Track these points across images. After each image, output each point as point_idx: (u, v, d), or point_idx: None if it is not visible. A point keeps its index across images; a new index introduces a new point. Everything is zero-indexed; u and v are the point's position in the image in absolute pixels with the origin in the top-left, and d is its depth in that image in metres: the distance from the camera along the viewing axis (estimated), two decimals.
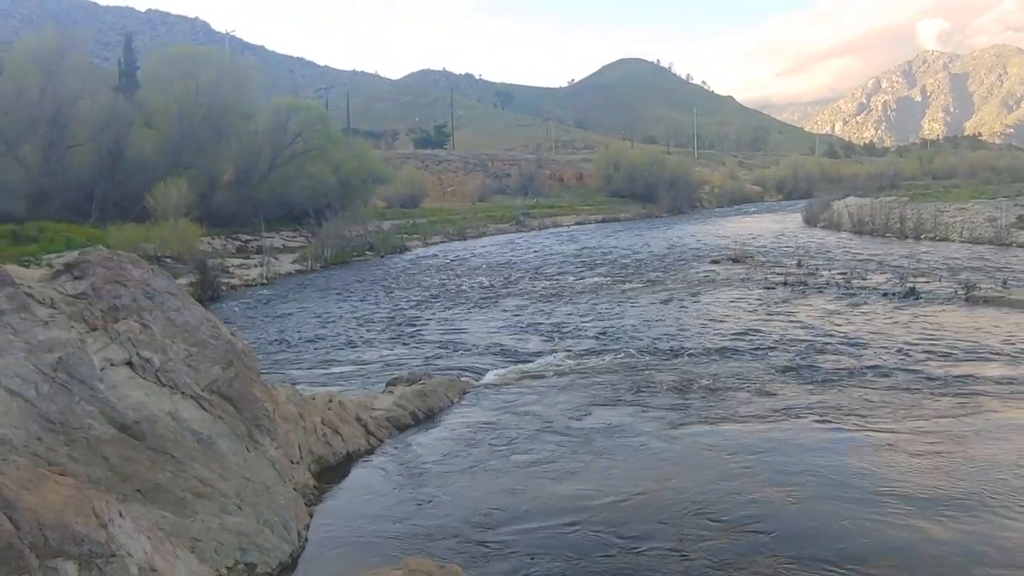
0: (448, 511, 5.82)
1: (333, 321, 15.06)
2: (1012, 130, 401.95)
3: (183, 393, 5.52)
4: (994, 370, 9.40)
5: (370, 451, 7.30)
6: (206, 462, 5.21)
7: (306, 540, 5.34)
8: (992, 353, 10.26)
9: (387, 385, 9.36)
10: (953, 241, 26.90)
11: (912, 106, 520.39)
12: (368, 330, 13.95)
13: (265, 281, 21.95)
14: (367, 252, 29.27)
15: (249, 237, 28.60)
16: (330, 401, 7.63)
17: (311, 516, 5.73)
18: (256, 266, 23.72)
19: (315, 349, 12.34)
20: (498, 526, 5.52)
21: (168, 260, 21.29)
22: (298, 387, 8.13)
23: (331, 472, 6.71)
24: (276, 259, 25.40)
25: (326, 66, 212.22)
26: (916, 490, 5.92)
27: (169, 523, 4.60)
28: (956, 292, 15.20)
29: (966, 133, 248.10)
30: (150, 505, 4.67)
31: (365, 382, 10.03)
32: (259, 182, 32.06)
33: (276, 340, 13.29)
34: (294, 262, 25.76)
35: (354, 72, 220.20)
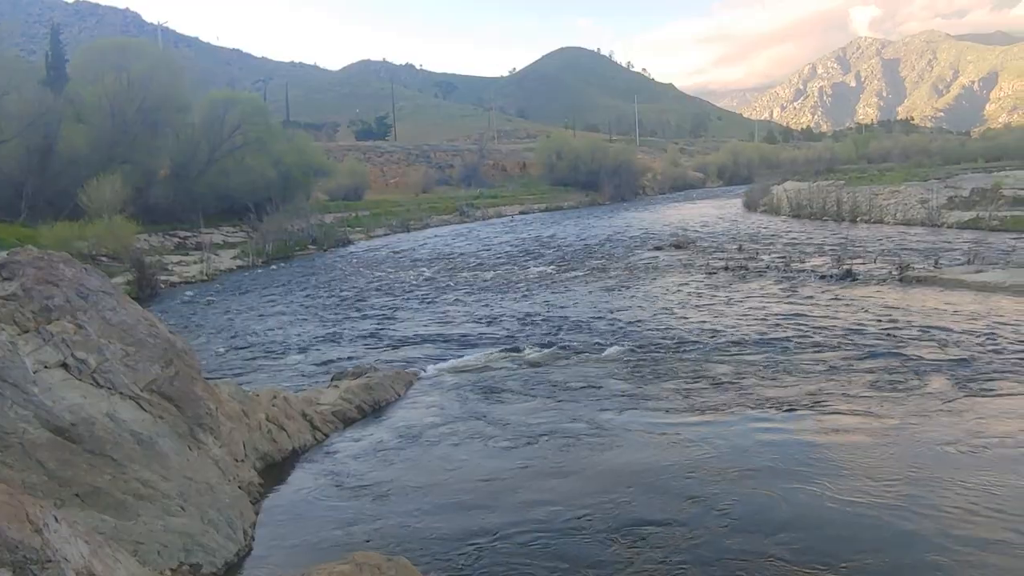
0: (396, 504, 5.80)
1: (276, 316, 14.87)
2: (942, 114, 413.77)
3: (121, 394, 5.40)
4: (929, 349, 9.68)
5: (316, 446, 7.24)
6: (147, 463, 5.11)
7: (252, 538, 5.28)
8: (926, 332, 10.56)
9: (332, 379, 9.30)
10: (887, 223, 27.60)
11: (847, 91, 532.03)
12: (313, 325, 13.81)
13: (205, 278, 21.56)
14: (310, 246, 28.95)
15: (188, 233, 28.03)
16: (275, 397, 7.54)
17: (257, 514, 5.66)
18: (196, 263, 23.28)
19: (259, 345, 12.17)
20: (446, 518, 5.52)
21: (103, 259, 20.77)
22: (242, 384, 8.03)
23: (277, 469, 6.64)
24: (216, 255, 24.98)
25: (263, 58, 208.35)
26: (859, 470, 6.08)
27: (109, 527, 4.51)
28: (891, 273, 15.60)
29: (899, 117, 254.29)
30: (89, 509, 4.58)
31: (310, 377, 9.94)
32: (197, 176, 31.40)
33: (218, 337, 13.08)
34: (235, 258, 25.35)
35: (292, 64, 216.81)
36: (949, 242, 20.84)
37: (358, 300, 16.44)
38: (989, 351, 9.34)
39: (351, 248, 30.07)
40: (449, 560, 4.90)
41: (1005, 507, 5.24)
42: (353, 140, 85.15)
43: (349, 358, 10.89)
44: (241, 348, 12.06)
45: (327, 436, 7.49)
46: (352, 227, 35.43)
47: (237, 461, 6.10)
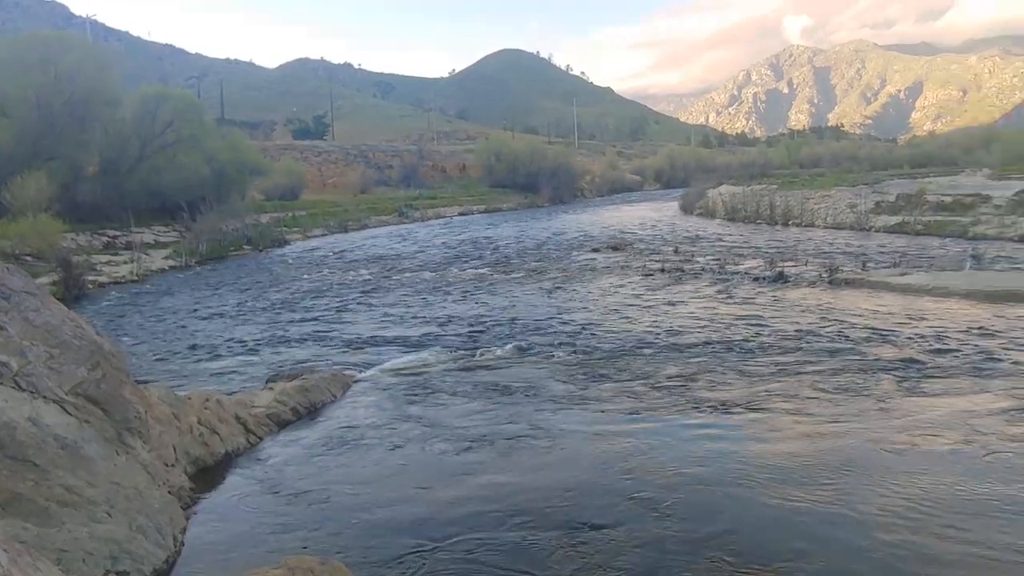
0: (330, 507, 5.73)
1: (210, 318, 14.58)
2: (870, 121, 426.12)
3: (45, 398, 5.23)
4: (860, 349, 9.95)
5: (250, 449, 7.11)
6: (72, 469, 4.95)
7: (182, 544, 5.15)
8: (855, 333, 10.86)
9: (267, 381, 9.15)
10: (818, 226, 28.34)
11: (780, 98, 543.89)
12: (248, 326, 13.57)
13: (136, 278, 21.01)
14: (245, 246, 28.46)
15: (117, 232, 27.26)
16: (207, 400, 7.38)
17: (188, 519, 5.54)
18: (126, 262, 22.68)
19: (192, 348, 11.91)
20: (383, 523, 5.46)
21: (28, 258, 20.08)
22: (174, 387, 7.85)
23: (209, 473, 6.51)
24: (147, 255, 24.38)
25: (197, 54, 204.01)
26: (796, 470, 6.21)
27: (31, 535, 4.36)
28: (821, 275, 16.00)
29: (829, 124, 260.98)
30: (10, 517, 4.42)
31: (245, 380, 9.76)
32: (128, 174, 30.58)
33: (150, 340, 12.77)
34: (167, 258, 24.77)
35: (228, 60, 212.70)
36: (877, 246, 21.48)
37: (295, 301, 16.22)
38: (916, 351, 9.64)
39: (288, 249, 29.66)
40: (387, 565, 4.85)
41: (936, 506, 5.40)
42: (290, 139, 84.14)
43: (285, 360, 10.73)
44: (173, 350, 11.79)
45: (261, 439, 7.37)
46: (289, 227, 34.94)
47: (167, 466, 5.96)
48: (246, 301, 16.52)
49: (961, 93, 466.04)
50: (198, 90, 77.11)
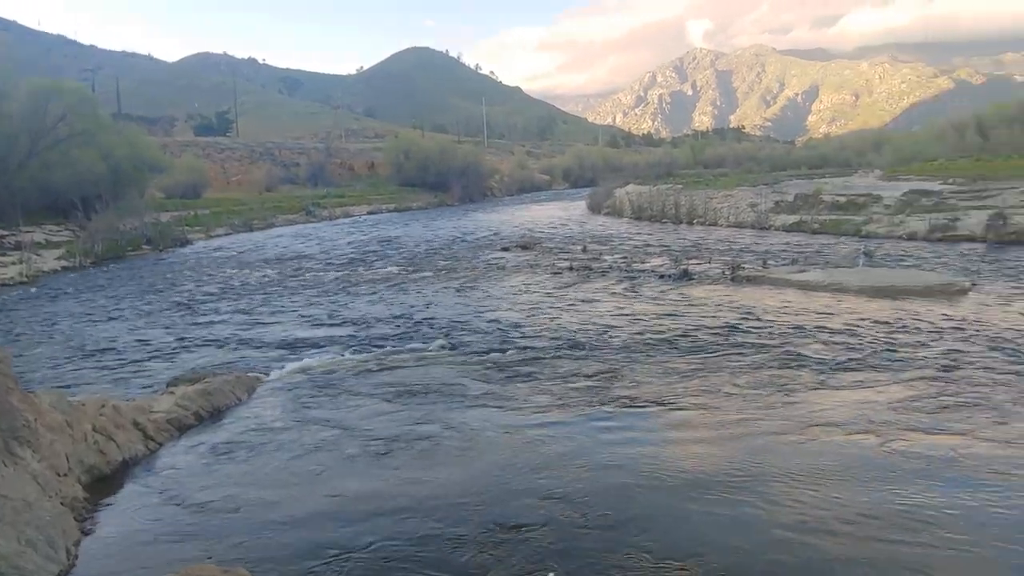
0: (234, 514, 5.57)
1: (107, 321, 14.02)
2: (770, 123, 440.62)
3: None
4: (761, 344, 10.26)
5: (149, 456, 6.87)
6: None
7: (76, 557, 4.94)
8: (757, 328, 11.21)
9: (168, 385, 8.85)
10: (721, 225, 29.12)
11: (684, 100, 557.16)
12: (147, 329, 13.09)
13: (26, 280, 20.02)
14: (144, 246, 27.47)
15: (5, 232, 25.92)
16: (103, 406, 7.09)
17: (83, 531, 5.31)
18: (14, 263, 21.60)
19: (87, 352, 11.42)
20: (291, 530, 5.33)
21: None
22: (69, 393, 7.51)
23: (106, 482, 6.25)
24: (38, 255, 23.28)
25: (91, 46, 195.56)
26: (706, 464, 6.37)
27: None
28: (723, 273, 16.45)
29: (732, 126, 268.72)
30: None
31: (145, 384, 9.41)
32: (17, 170, 29.11)
33: (40, 344, 12.18)
34: (60, 258, 23.68)
35: (124, 53, 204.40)
36: (776, 244, 22.22)
37: (197, 302, 15.74)
38: (816, 345, 10.02)
39: (190, 248, 28.77)
40: (295, 573, 4.75)
41: (836, 497, 5.62)
42: (192, 135, 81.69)
43: (188, 363, 10.40)
44: (67, 355, 11.28)
45: (161, 445, 7.12)
46: (191, 226, 33.91)
47: (59, 475, 5.70)
48: (146, 303, 15.95)
49: (854, 97, 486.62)
50: (92, 84, 74.12)
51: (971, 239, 21.08)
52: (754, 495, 5.64)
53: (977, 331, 10.53)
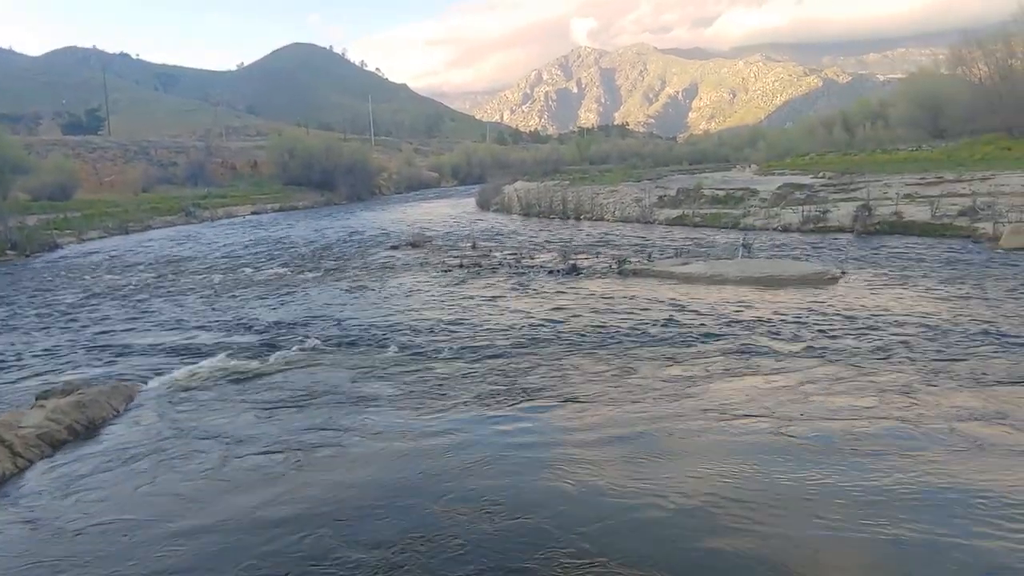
0: (106, 532, 5.29)
1: None
2: (653, 120, 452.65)
3: None
4: (647, 334, 10.51)
5: (18, 475, 6.46)
6: None
7: None
8: (641, 319, 11.47)
9: (37, 398, 8.35)
10: (608, 220, 29.69)
11: (570, 97, 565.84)
12: (13, 339, 12.31)
13: None
14: (9, 251, 25.86)
15: None
16: None
17: None
18: None
19: None
20: (160, 544, 5.10)
21: None
22: None
23: None
24: None
25: None
26: (600, 455, 6.46)
27: None
28: (611, 267, 16.78)
29: (616, 123, 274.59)
30: None
31: (11, 398, 8.85)
32: None
33: None
34: None
35: None
36: (660, 237, 22.82)
37: (69, 310, 14.93)
38: (700, 334, 10.33)
39: (60, 253, 27.26)
40: None
41: (737, 489, 5.80)
42: (60, 134, 77.61)
43: (59, 374, 9.84)
44: None
45: (31, 463, 6.71)
46: (61, 229, 32.15)
47: None
48: (11, 311, 15.01)
49: (731, 95, 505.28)
50: None
51: (841, 230, 22.20)
52: (650, 488, 5.76)
53: (848, 315, 11.11)
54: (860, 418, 6.99)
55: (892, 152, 48.96)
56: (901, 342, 9.58)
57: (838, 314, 11.33)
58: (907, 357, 8.92)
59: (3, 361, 10.79)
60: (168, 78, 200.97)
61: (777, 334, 10.24)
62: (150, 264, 22.32)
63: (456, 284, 15.76)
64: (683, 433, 6.82)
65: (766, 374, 8.47)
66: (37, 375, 9.92)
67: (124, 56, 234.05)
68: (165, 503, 5.79)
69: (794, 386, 7.97)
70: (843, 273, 14.93)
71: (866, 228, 21.59)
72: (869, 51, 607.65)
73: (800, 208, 25.16)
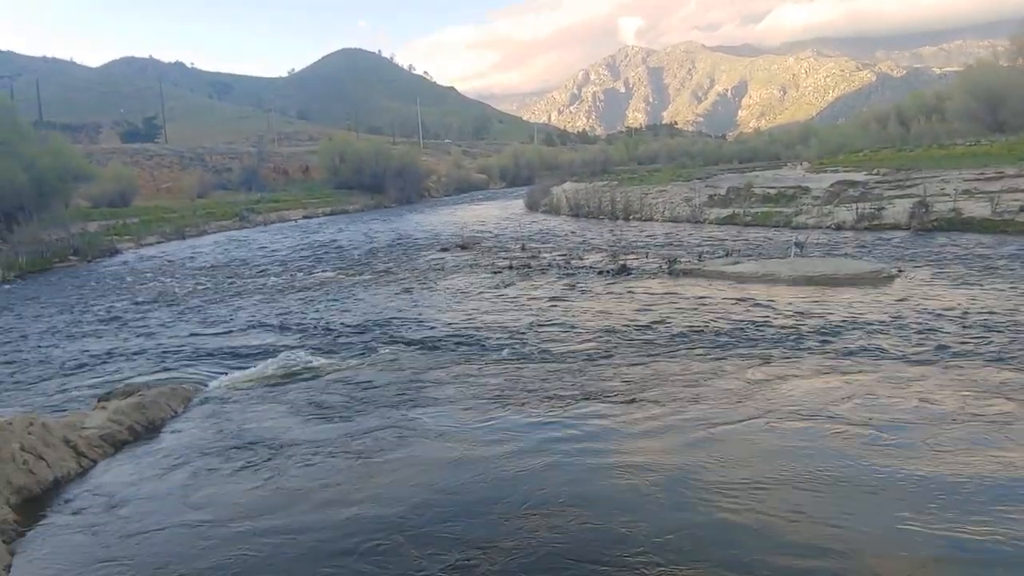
0: (170, 533, 5.42)
1: (33, 335, 13.54)
2: (701, 119, 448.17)
3: None
4: (706, 334, 10.43)
5: (83, 474, 6.66)
6: None
7: None
8: (695, 319, 11.38)
9: (99, 400, 8.60)
10: (657, 220, 29.51)
11: (618, 97, 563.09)
12: (76, 342, 12.69)
13: None
14: (71, 257, 26.64)
15: None
16: (31, 424, 6.86)
17: (12, 554, 5.13)
18: None
19: (14, 368, 11.03)
20: (225, 544, 5.20)
21: None
22: None
23: (36, 503, 6.04)
24: None
25: (9, 51, 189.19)
26: (664, 462, 6.43)
27: None
28: (661, 266, 16.68)
29: (664, 122, 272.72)
30: None
31: (75, 399, 9.13)
32: None
33: None
34: None
35: (45, 59, 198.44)
36: (710, 237, 22.60)
37: (129, 313, 15.34)
38: (756, 334, 10.21)
39: (120, 258, 28.00)
40: None
41: (805, 486, 5.74)
42: (118, 143, 79.67)
43: (120, 377, 10.12)
44: None
45: (95, 462, 6.92)
46: (120, 235, 33.03)
47: None
48: (74, 315, 15.48)
49: (781, 92, 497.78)
50: (11, 90, 71.59)
51: (896, 227, 21.74)
52: (724, 489, 5.71)
53: (906, 316, 10.88)
54: (930, 418, 6.85)
55: (949, 147, 47.77)
56: (962, 342, 9.36)
57: (896, 313, 11.10)
58: (970, 357, 8.71)
59: (66, 363, 11.13)
60: (222, 86, 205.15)
61: (834, 334, 10.08)
62: (206, 268, 22.79)
63: (506, 285, 15.80)
64: (751, 435, 6.73)
65: (827, 374, 8.34)
66: (98, 377, 10.21)
67: (179, 65, 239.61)
68: (226, 505, 5.88)
69: (860, 386, 7.83)
70: (900, 272, 14.63)
71: (923, 225, 21.12)
72: (924, 44, 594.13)
73: (854, 206, 24.70)
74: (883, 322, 10.62)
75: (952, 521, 5.02)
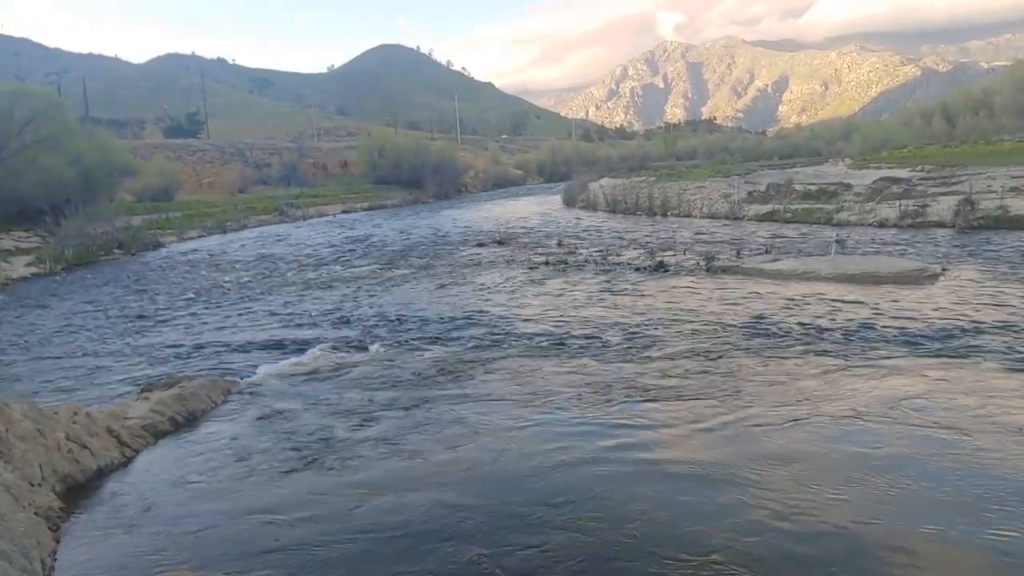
0: (211, 520, 5.51)
1: (79, 327, 13.83)
2: (741, 114, 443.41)
3: None
4: (740, 330, 10.33)
5: (125, 463, 6.79)
6: None
7: (52, 568, 4.87)
8: (735, 318, 11.28)
9: (142, 391, 8.75)
10: (695, 216, 29.27)
11: (656, 92, 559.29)
12: (120, 334, 12.94)
13: None
14: (115, 250, 27.13)
15: None
16: (76, 414, 7.00)
17: (58, 541, 5.24)
18: None
19: (60, 359, 11.26)
20: (264, 533, 5.27)
21: None
22: (43, 402, 7.41)
23: (80, 490, 6.17)
24: (8, 262, 22.92)
25: (57, 48, 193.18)
26: (714, 463, 6.39)
27: None
28: (698, 264, 16.55)
29: (703, 117, 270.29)
30: None
31: (119, 390, 9.30)
32: None
33: (12, 352, 11.99)
34: (29, 264, 23.33)
35: (91, 55, 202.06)
36: (749, 233, 22.37)
37: (170, 306, 15.59)
38: (797, 333, 10.10)
39: (162, 251, 28.45)
40: None
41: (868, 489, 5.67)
42: (162, 138, 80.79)
43: (162, 368, 10.29)
44: (41, 362, 11.13)
45: (137, 452, 7.04)
46: (163, 229, 33.53)
47: (33, 485, 5.63)
48: (118, 307, 15.76)
49: (823, 87, 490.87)
50: (59, 87, 73.13)
51: (940, 225, 21.35)
52: (771, 491, 5.66)
53: (951, 315, 10.67)
54: (982, 422, 6.72)
55: (996, 143, 46.75)
56: (1007, 342, 9.17)
57: (940, 313, 10.90)
58: (1012, 357, 8.53)
59: (110, 355, 11.34)
60: (262, 82, 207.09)
61: (878, 333, 9.93)
62: (246, 261, 23.07)
63: (542, 281, 15.78)
64: (798, 436, 6.66)
65: (869, 374, 8.22)
66: (141, 369, 10.39)
67: (221, 61, 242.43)
68: (262, 493, 5.97)
69: (909, 387, 7.72)
70: (944, 270, 14.36)
71: (968, 223, 20.70)
72: (971, 38, 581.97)
73: (897, 203, 24.29)
74: (927, 321, 10.43)
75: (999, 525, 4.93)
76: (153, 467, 6.67)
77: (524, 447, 6.68)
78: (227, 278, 19.51)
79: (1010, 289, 12.45)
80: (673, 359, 9.20)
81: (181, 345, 11.73)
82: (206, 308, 15.13)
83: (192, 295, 16.95)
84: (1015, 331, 9.65)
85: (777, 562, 4.65)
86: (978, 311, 10.86)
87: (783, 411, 7.19)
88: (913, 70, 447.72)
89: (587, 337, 10.53)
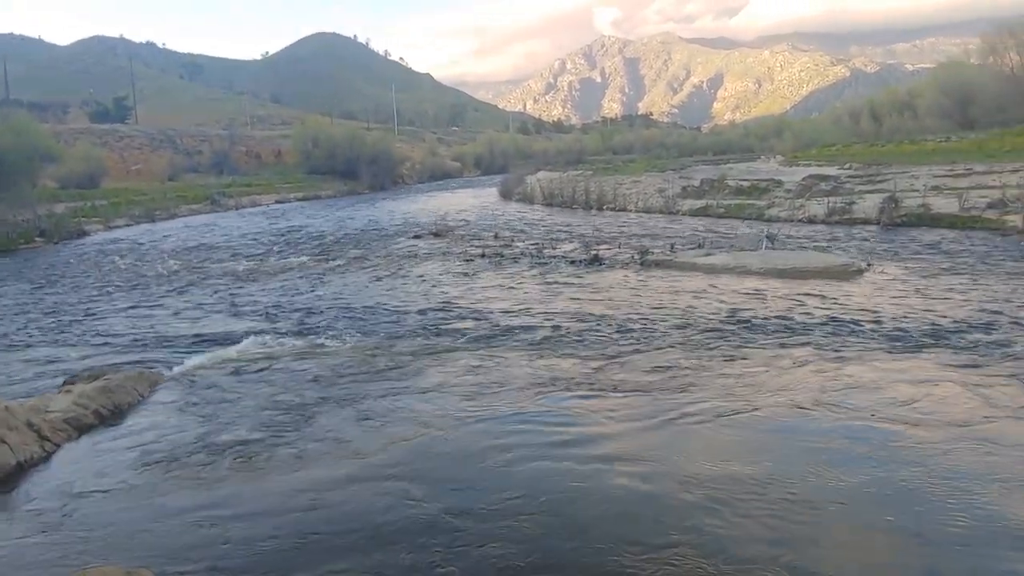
0: (135, 516, 5.37)
1: None
2: (676, 110, 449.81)
3: None
4: (669, 325, 10.47)
5: (46, 458, 6.57)
6: None
7: None
8: (664, 311, 11.43)
9: (64, 384, 8.48)
10: (631, 211, 29.58)
11: (593, 87, 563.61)
12: (40, 325, 12.49)
13: None
14: (37, 238, 26.23)
15: None
16: None
17: None
18: None
19: None
20: (190, 531, 5.16)
21: None
22: None
23: None
24: None
25: None
26: (639, 450, 6.46)
27: None
28: (633, 257, 16.72)
29: (640, 112, 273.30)
30: None
31: (39, 383, 8.98)
32: None
33: None
34: None
35: (11, 36, 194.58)
36: (683, 228, 22.71)
37: (96, 296, 15.13)
38: (727, 326, 10.28)
39: (88, 240, 27.60)
40: (196, 570, 4.62)
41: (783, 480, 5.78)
42: (87, 123, 78.23)
43: (87, 360, 9.97)
44: None
45: (58, 446, 6.82)
46: (89, 217, 32.54)
47: None
48: (38, 298, 15.23)
49: (756, 85, 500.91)
50: None
51: (866, 222, 21.98)
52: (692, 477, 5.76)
53: (875, 308, 11.00)
54: (905, 416, 6.94)
55: (920, 143, 48.25)
56: (928, 335, 9.49)
57: (865, 306, 11.23)
58: (938, 349, 8.83)
59: (30, 346, 10.96)
60: (194, 67, 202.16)
61: (806, 326, 10.17)
62: (176, 252, 22.54)
63: (477, 274, 15.78)
64: (713, 427, 6.80)
65: (797, 366, 8.42)
66: (63, 361, 10.07)
67: (150, 45, 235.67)
68: (187, 487, 5.85)
69: (835, 378, 7.92)
70: (869, 265, 14.79)
71: (892, 220, 21.36)
72: (898, 41, 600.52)
73: (825, 199, 24.93)
74: (852, 314, 10.73)
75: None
76: (75, 462, 6.48)
77: (459, 440, 6.67)
78: (156, 268, 19.02)
79: (930, 283, 12.88)
80: (605, 352, 9.28)
81: (107, 336, 11.39)
82: (134, 299, 14.72)
83: (119, 285, 16.49)
84: (935, 323, 10.00)
85: (708, 548, 4.74)
86: (900, 305, 11.21)
87: (715, 404, 7.31)
88: (843, 70, 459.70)
89: (521, 329, 10.56)
